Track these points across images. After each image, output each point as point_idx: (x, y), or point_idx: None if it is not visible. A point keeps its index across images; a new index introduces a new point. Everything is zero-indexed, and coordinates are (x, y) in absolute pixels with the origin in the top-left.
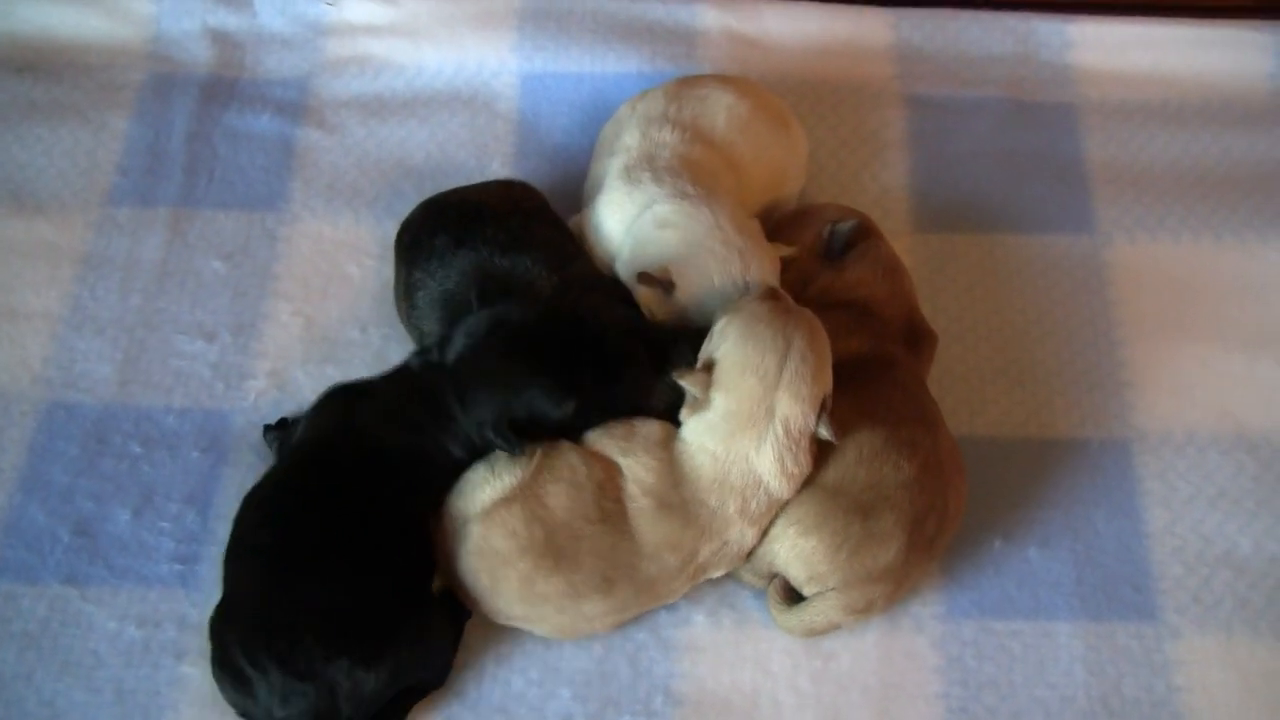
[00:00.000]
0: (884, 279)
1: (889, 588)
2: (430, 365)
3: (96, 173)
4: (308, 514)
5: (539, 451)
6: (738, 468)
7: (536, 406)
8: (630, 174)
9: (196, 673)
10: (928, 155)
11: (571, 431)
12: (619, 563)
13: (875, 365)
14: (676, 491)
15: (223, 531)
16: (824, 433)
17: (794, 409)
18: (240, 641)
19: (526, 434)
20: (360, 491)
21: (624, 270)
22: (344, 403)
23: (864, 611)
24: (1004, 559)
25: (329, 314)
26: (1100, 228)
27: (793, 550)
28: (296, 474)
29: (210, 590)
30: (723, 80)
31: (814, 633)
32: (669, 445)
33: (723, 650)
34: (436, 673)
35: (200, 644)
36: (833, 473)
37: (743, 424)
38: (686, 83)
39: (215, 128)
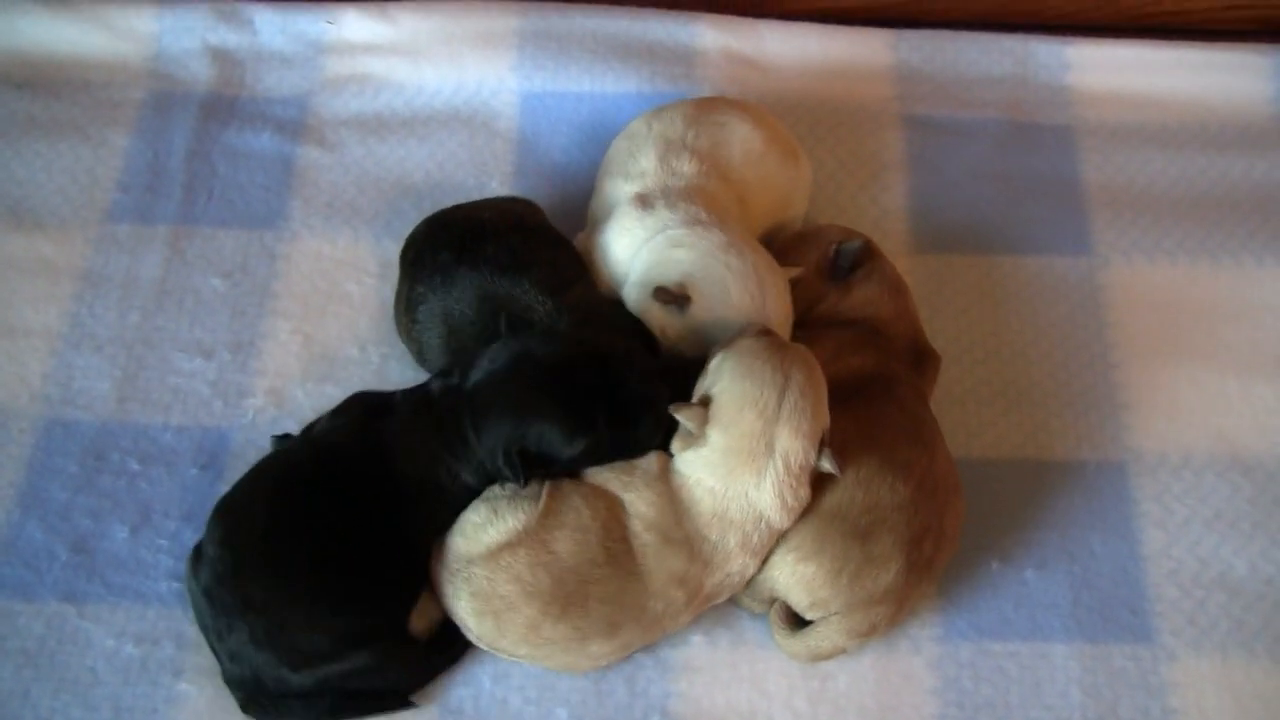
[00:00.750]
0: (890, 298)
1: (890, 609)
2: (450, 389)
3: (96, 190)
4: (305, 503)
5: (544, 495)
6: (736, 503)
7: (547, 441)
8: (644, 201)
9: (194, 690)
10: (926, 176)
11: (577, 468)
12: (626, 604)
13: (876, 384)
14: (679, 526)
15: None
16: (826, 466)
17: (794, 444)
18: (203, 590)
19: (534, 466)
20: (363, 503)
21: (634, 292)
22: (364, 415)
23: (867, 634)
24: (1001, 581)
25: (328, 332)
26: (1097, 249)
27: (793, 576)
28: (310, 463)
29: None
30: (740, 108)
31: (820, 658)
32: (668, 478)
33: (719, 671)
34: (390, 689)
35: (199, 662)
36: (830, 497)
37: (742, 460)
38: (704, 106)
39: (215, 146)
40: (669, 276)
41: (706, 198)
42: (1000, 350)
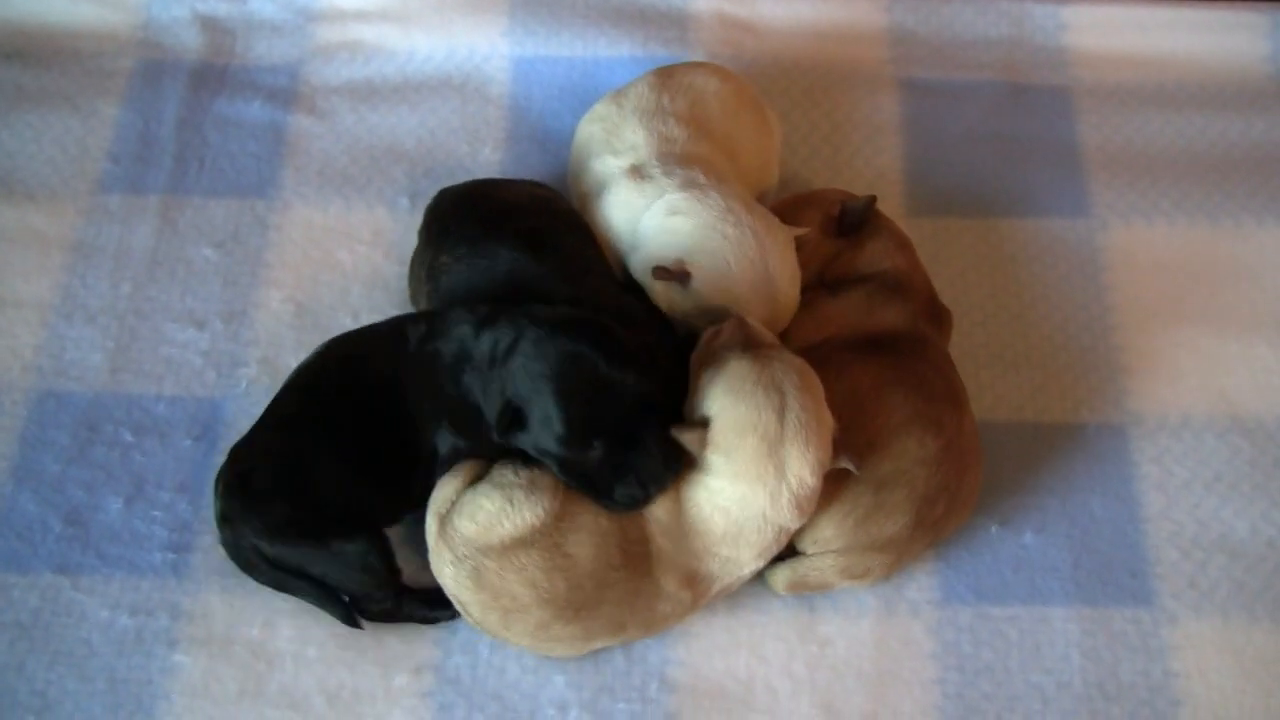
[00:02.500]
0: (902, 251)
1: (889, 558)
2: (517, 316)
3: (87, 160)
4: (341, 389)
5: (558, 496)
6: (752, 523)
7: (544, 423)
8: (639, 171)
9: (189, 661)
10: (922, 139)
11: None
12: (637, 606)
13: (909, 341)
14: (692, 537)
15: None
16: (844, 464)
17: (805, 463)
18: (228, 457)
19: (515, 431)
20: (393, 405)
21: (638, 265)
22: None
23: (860, 577)
24: (1000, 544)
25: (320, 301)
26: (1095, 211)
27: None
28: (375, 355)
29: (202, 579)
30: (701, 66)
31: (803, 588)
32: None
33: (717, 637)
34: (351, 592)
35: (193, 632)
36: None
37: (752, 485)
38: (666, 73)
39: (206, 115)
40: (667, 254)
41: (702, 162)
42: (998, 313)
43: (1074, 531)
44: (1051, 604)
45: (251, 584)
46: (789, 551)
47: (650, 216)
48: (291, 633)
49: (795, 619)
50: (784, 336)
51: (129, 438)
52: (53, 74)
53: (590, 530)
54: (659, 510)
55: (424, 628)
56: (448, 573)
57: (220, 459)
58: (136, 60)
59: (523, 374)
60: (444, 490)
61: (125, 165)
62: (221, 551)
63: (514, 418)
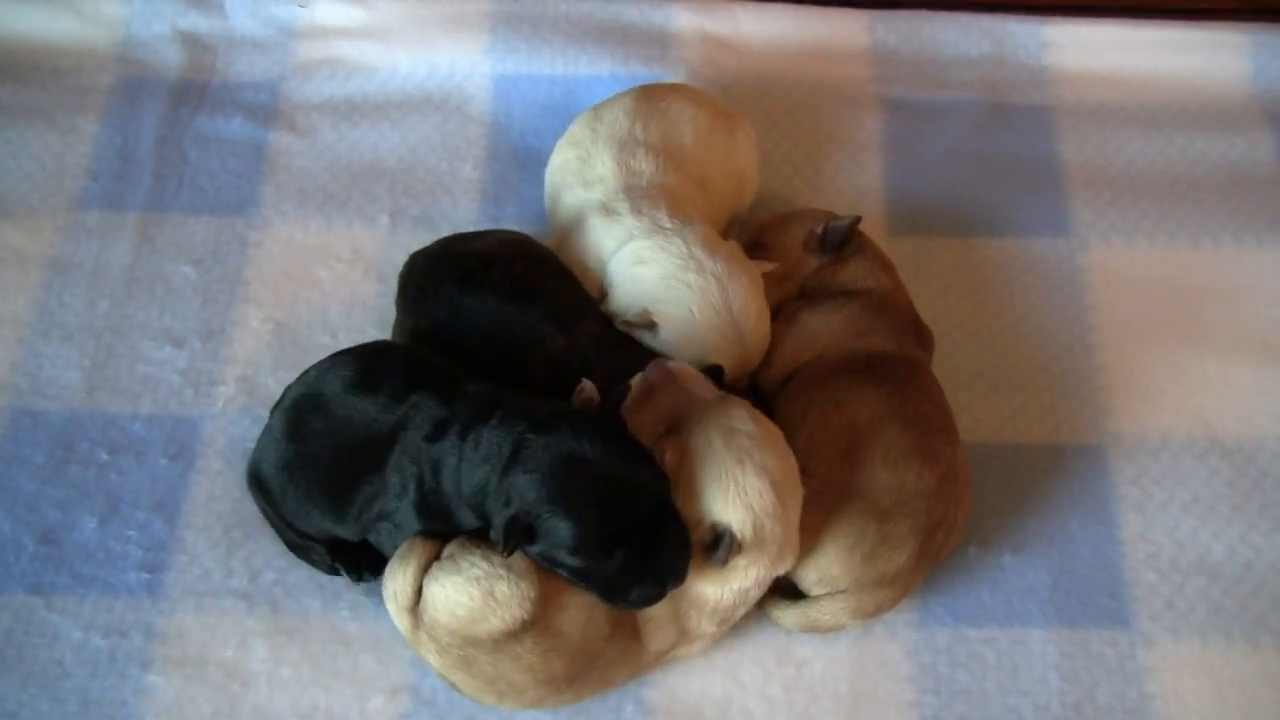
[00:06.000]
0: (884, 271)
1: (897, 592)
2: (511, 415)
3: (65, 177)
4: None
5: (539, 578)
6: (756, 591)
7: (555, 535)
8: (607, 208)
9: (162, 681)
10: (903, 158)
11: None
12: (626, 664)
13: (903, 366)
14: (690, 613)
15: (191, 539)
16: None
17: (795, 514)
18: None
19: (524, 542)
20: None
21: (611, 307)
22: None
23: (872, 615)
24: (978, 565)
25: (299, 319)
26: (1076, 231)
27: (805, 552)
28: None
29: (177, 599)
30: (677, 89)
31: (815, 630)
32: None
33: (694, 659)
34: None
35: (167, 653)
36: (852, 474)
37: (767, 563)
38: (642, 96)
39: (185, 132)
40: (632, 299)
41: (669, 196)
42: (978, 333)
43: (1052, 553)
44: (1029, 625)
45: (226, 604)
46: (796, 593)
47: (617, 264)
48: (265, 653)
49: (772, 641)
50: (768, 358)
51: (104, 457)
52: (31, 90)
53: (578, 605)
54: None
55: (399, 649)
56: (433, 660)
57: (197, 478)
58: (116, 76)
59: (527, 485)
60: (398, 581)
61: (104, 182)
62: (195, 571)
63: (524, 532)
